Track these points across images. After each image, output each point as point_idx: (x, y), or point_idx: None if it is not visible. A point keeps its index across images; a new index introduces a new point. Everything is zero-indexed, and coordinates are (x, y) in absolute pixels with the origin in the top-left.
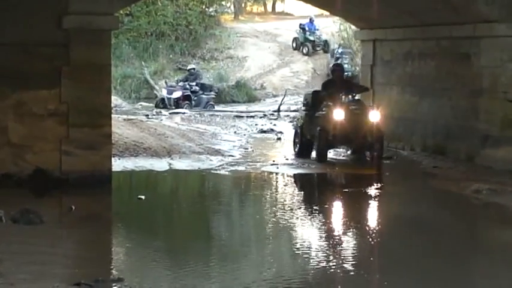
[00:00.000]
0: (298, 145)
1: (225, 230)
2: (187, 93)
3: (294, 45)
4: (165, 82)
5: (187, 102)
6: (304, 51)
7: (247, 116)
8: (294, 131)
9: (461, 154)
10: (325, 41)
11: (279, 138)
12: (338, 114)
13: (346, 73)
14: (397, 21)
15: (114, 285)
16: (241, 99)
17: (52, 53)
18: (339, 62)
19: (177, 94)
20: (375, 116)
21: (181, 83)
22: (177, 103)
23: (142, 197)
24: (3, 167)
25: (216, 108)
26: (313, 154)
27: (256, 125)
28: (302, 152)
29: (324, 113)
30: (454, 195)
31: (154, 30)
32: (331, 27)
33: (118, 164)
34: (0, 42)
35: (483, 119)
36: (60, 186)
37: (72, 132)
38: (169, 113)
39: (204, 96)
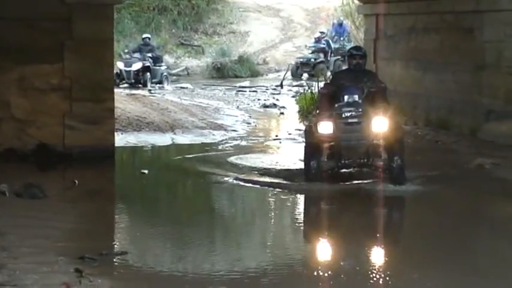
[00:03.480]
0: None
1: (228, 204)
2: (147, 65)
3: None
4: (119, 55)
5: (148, 74)
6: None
7: (249, 91)
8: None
9: (465, 128)
10: None
11: (282, 113)
12: (325, 128)
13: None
14: None
15: (118, 259)
16: (244, 74)
17: (55, 28)
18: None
19: (137, 66)
20: (380, 125)
21: (136, 54)
22: (137, 76)
23: (146, 171)
24: (7, 142)
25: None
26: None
27: (258, 100)
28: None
29: (309, 124)
30: (457, 169)
31: (156, 5)
32: (333, 1)
33: (121, 139)
34: (2, 16)
35: (486, 93)
36: (64, 160)
37: (75, 107)
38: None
39: (157, 68)
